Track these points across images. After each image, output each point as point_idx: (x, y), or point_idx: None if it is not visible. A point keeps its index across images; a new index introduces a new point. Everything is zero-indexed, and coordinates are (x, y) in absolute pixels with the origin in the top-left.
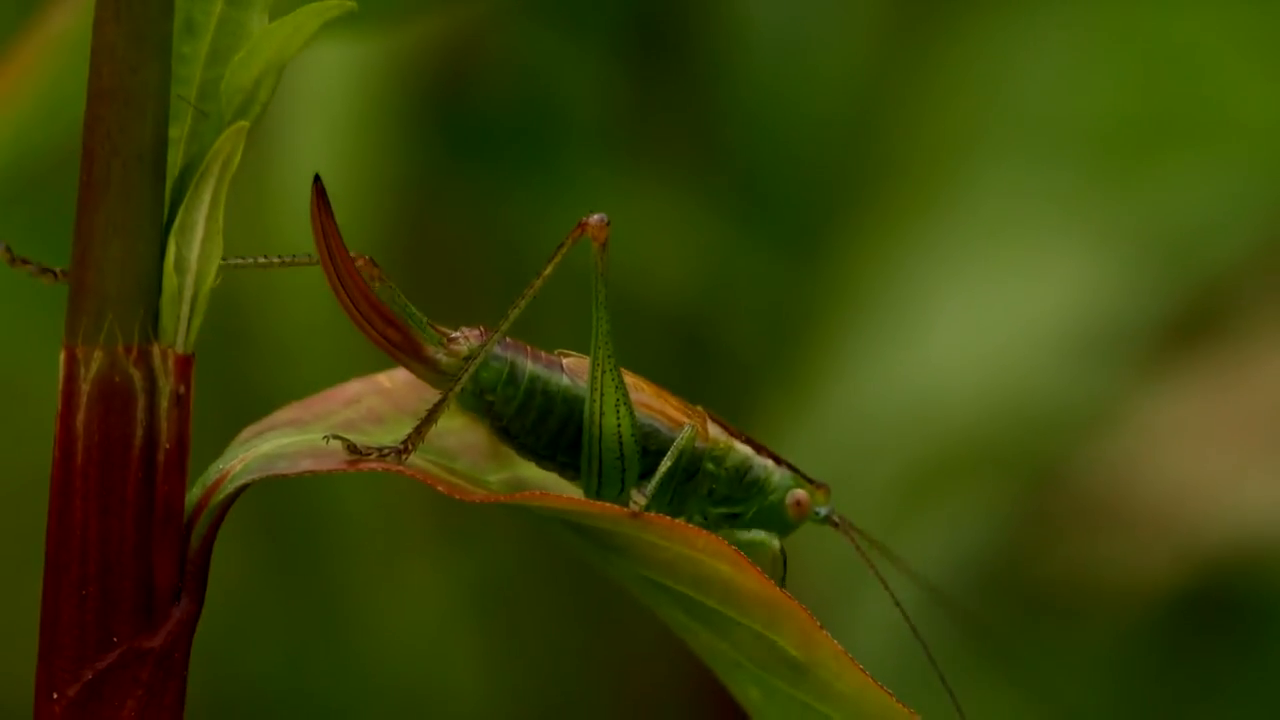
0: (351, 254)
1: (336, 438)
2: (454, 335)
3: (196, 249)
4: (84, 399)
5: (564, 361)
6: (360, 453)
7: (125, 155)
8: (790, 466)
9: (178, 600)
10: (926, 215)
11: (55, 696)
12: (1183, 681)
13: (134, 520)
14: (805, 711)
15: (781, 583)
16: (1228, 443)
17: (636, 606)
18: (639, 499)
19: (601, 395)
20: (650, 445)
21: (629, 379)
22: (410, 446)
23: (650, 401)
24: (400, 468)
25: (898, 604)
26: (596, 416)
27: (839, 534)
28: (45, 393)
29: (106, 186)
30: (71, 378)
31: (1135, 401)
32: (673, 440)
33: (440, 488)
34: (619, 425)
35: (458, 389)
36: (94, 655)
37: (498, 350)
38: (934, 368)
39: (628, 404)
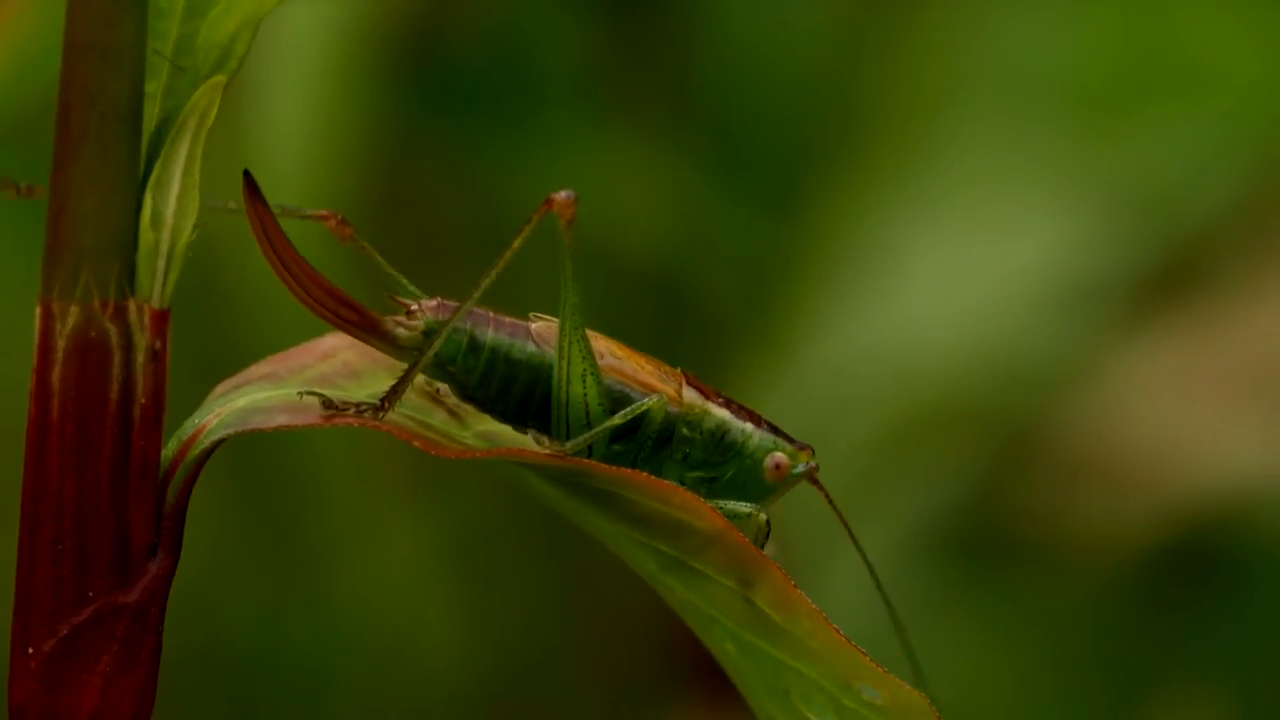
0: (322, 213)
1: (312, 393)
2: (412, 308)
3: (172, 204)
4: (60, 354)
5: (532, 326)
6: (336, 408)
7: (101, 110)
8: (773, 428)
9: (153, 556)
10: (904, 170)
11: (30, 652)
12: (1160, 635)
13: (109, 476)
14: (779, 667)
15: (761, 548)
16: (1206, 397)
17: (614, 561)
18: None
19: (568, 364)
20: (621, 409)
21: (604, 344)
22: (387, 405)
23: (623, 367)
24: (377, 424)
25: (867, 563)
26: (563, 384)
27: (812, 489)
28: (20, 348)
29: (83, 141)
30: (47, 333)
31: (1113, 356)
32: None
33: (416, 443)
34: (585, 394)
35: (421, 364)
36: (69, 611)
37: (457, 318)
38: (911, 323)
39: (595, 373)
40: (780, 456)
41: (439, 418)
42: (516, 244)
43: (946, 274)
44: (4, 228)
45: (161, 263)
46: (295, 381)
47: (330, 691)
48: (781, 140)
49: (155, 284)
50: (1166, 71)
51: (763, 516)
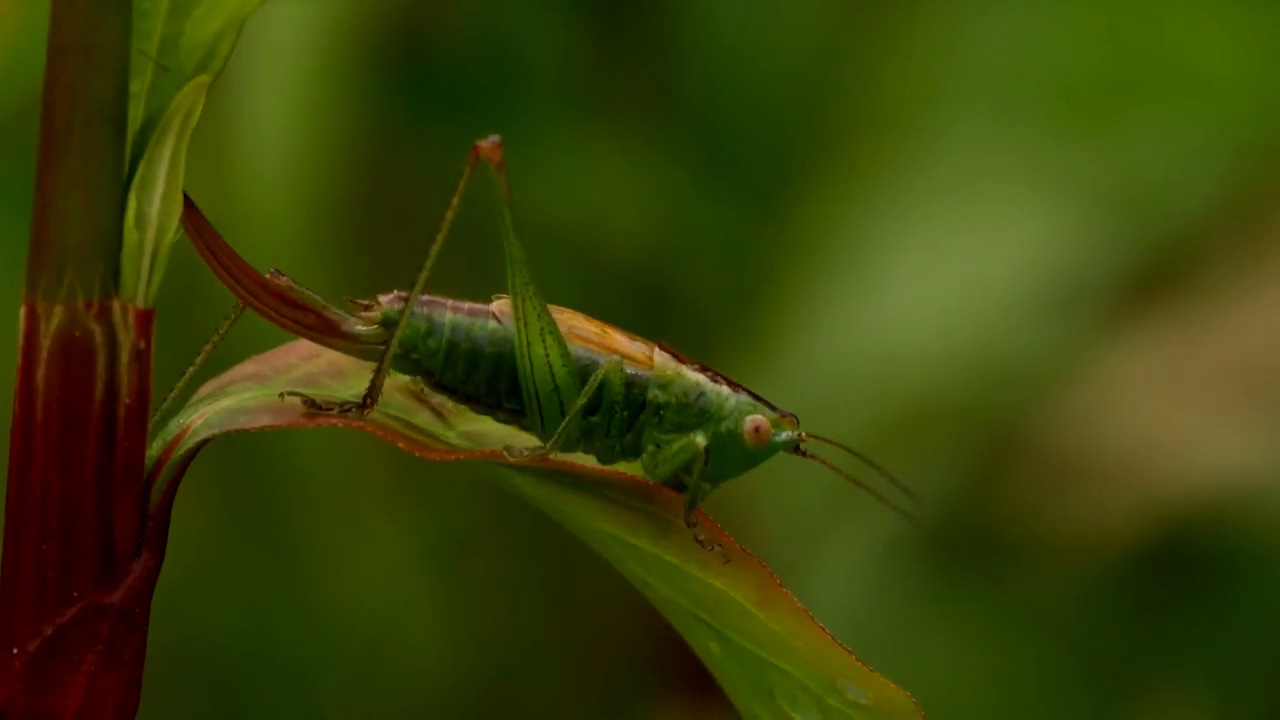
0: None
1: (295, 394)
2: (367, 304)
3: (157, 204)
4: (44, 354)
5: (493, 305)
6: (320, 408)
7: (86, 110)
8: (753, 395)
9: (138, 556)
10: (888, 170)
11: (15, 652)
12: (1143, 633)
13: (94, 476)
14: (763, 667)
15: (690, 510)
16: (1189, 397)
17: (597, 561)
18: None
19: (525, 324)
20: (590, 378)
21: (571, 317)
22: (369, 402)
23: (590, 336)
24: (361, 423)
25: (897, 509)
26: (525, 348)
27: (797, 489)
28: (5, 348)
29: (67, 141)
30: (32, 333)
31: (1097, 356)
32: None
33: (401, 444)
34: (547, 353)
35: (389, 356)
36: (54, 610)
37: (414, 307)
38: (896, 323)
39: (554, 331)
40: (759, 419)
41: (423, 418)
42: (455, 201)
43: (931, 274)
44: None
45: (146, 263)
46: (280, 381)
47: (314, 691)
48: (766, 141)
49: (140, 284)
50: (1150, 72)
51: (697, 453)
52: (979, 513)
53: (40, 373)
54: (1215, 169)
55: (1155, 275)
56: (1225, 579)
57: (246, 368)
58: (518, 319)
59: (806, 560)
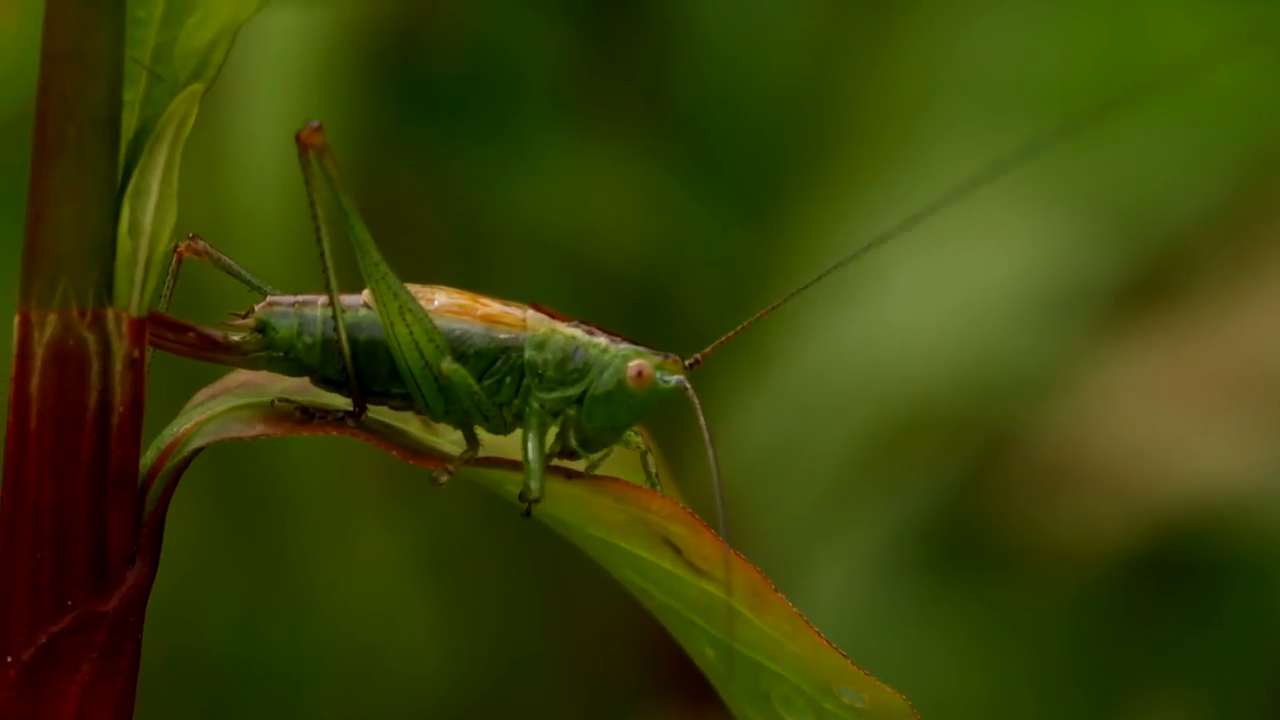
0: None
1: (288, 401)
2: (243, 314)
3: (150, 213)
4: (38, 363)
5: (364, 294)
6: (313, 416)
7: (79, 118)
8: (632, 342)
9: (132, 564)
10: (882, 177)
11: (9, 660)
12: (1135, 641)
13: (88, 484)
14: (759, 671)
15: (655, 484)
16: (1182, 405)
17: (592, 567)
18: (535, 487)
19: (384, 306)
20: (468, 350)
21: (439, 291)
22: (361, 409)
23: (458, 307)
24: (353, 432)
25: (719, 482)
26: (390, 329)
27: (792, 495)
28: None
29: (61, 149)
30: (25, 341)
31: (1090, 364)
32: (489, 341)
33: (394, 452)
34: (410, 331)
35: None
36: (48, 619)
37: (284, 306)
38: (889, 331)
39: (414, 308)
40: (640, 363)
41: (416, 425)
42: (314, 196)
43: (924, 282)
44: None
45: (139, 271)
46: (273, 390)
47: (308, 699)
48: (758, 147)
49: (133, 292)
50: (1145, 79)
51: (638, 439)
52: (973, 519)
53: (34, 381)
54: (1210, 177)
55: (1149, 283)
56: (1218, 586)
57: (240, 376)
58: (376, 302)
59: (801, 565)
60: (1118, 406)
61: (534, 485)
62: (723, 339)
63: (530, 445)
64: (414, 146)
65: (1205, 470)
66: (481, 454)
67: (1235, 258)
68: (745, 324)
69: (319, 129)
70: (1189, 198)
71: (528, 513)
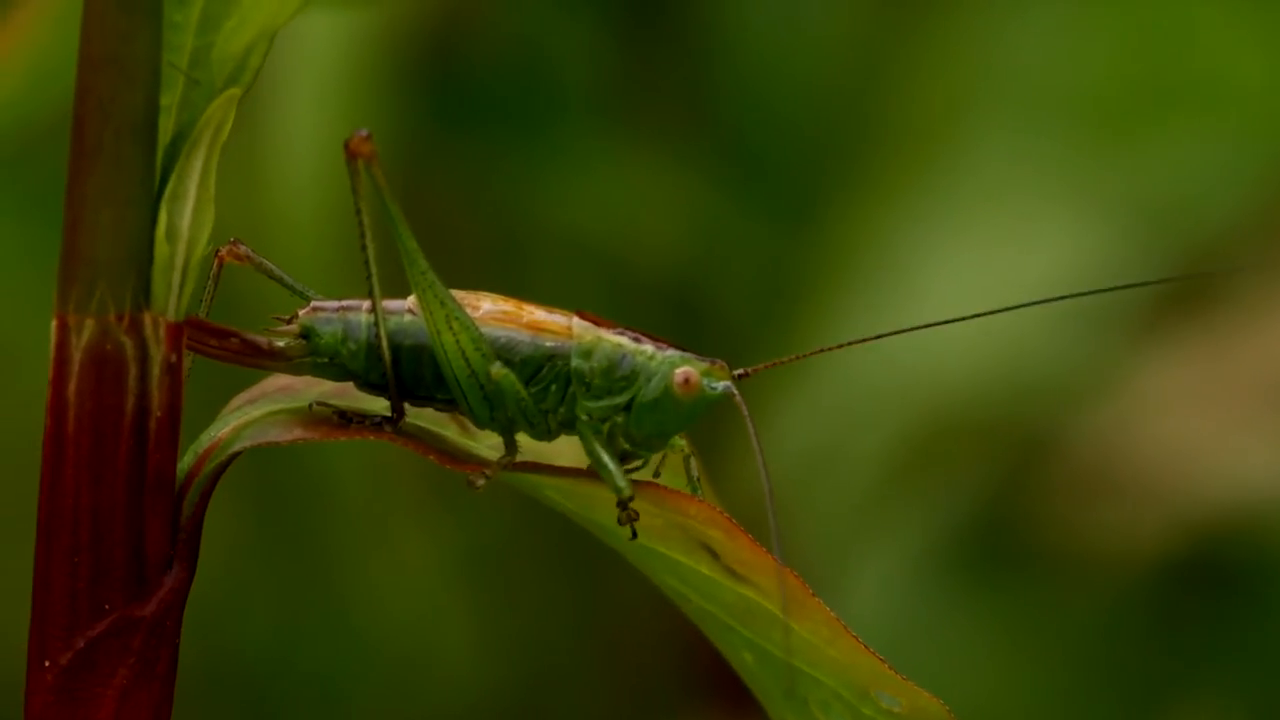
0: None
1: (326, 406)
2: (287, 319)
3: (188, 217)
4: (76, 367)
5: (408, 300)
6: (351, 420)
7: (116, 123)
8: (680, 348)
9: (169, 569)
10: (919, 181)
11: (47, 665)
12: (1175, 646)
13: (125, 489)
14: (798, 676)
15: (696, 488)
16: (1220, 409)
17: (629, 571)
18: (623, 486)
19: (430, 314)
20: (513, 357)
21: (485, 298)
22: (400, 413)
23: (504, 315)
24: (391, 436)
25: (764, 470)
26: (436, 336)
27: (829, 500)
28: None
29: (98, 154)
30: (63, 346)
31: (1128, 368)
32: (535, 349)
33: (432, 457)
34: (458, 341)
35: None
36: (86, 623)
37: (328, 311)
38: (927, 335)
39: (460, 316)
40: (687, 370)
41: (454, 429)
42: (360, 204)
43: (962, 286)
44: (20, 241)
45: (177, 276)
46: (311, 394)
47: (346, 703)
48: (797, 152)
49: (170, 297)
50: (1182, 84)
51: (682, 443)
52: (1010, 524)
53: (71, 386)
54: (1245, 182)
55: (1186, 288)
56: (1256, 592)
57: (277, 380)
58: (423, 310)
59: (839, 571)
60: (1155, 411)
61: (622, 485)
62: (777, 360)
63: (596, 454)
64: (451, 151)
65: (1243, 475)
66: (519, 459)
67: (1273, 262)
68: (801, 355)
69: (368, 138)
70: (1227, 202)
71: (633, 534)
